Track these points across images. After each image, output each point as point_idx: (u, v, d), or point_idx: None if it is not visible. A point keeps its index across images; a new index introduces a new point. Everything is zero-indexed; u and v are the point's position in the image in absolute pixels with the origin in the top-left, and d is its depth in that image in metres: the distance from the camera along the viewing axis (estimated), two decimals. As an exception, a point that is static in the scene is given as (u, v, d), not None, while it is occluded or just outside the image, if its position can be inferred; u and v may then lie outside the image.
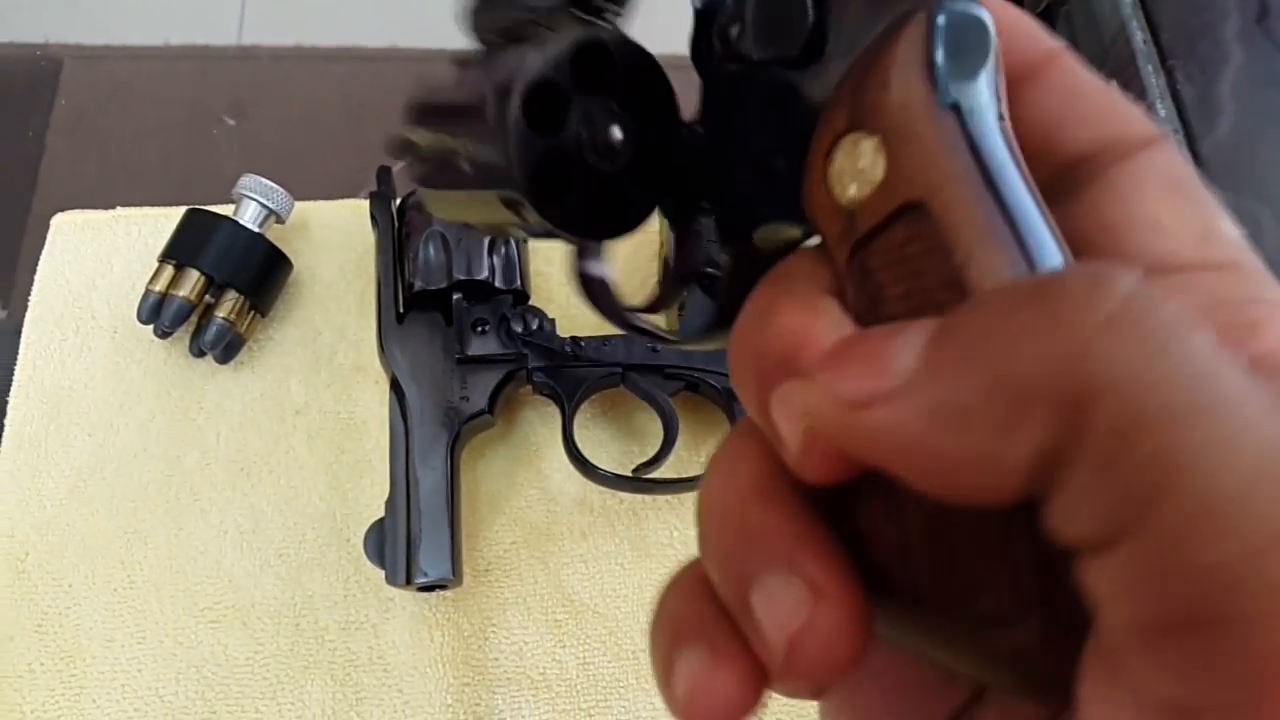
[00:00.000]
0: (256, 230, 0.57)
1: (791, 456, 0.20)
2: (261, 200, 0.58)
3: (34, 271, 0.63)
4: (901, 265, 0.22)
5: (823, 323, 0.21)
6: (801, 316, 0.21)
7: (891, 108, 0.22)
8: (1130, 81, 0.73)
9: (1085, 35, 0.74)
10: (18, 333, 0.65)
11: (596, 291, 0.31)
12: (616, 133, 0.28)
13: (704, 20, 0.27)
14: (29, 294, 0.66)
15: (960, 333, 0.18)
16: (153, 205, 0.64)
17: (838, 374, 0.19)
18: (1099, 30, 0.74)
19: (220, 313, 0.56)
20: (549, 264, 0.62)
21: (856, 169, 0.22)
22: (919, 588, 0.21)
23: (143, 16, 0.78)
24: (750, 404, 0.22)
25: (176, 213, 0.61)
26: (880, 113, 0.22)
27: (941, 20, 0.22)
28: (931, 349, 0.18)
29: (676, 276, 0.32)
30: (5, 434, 0.57)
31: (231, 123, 0.74)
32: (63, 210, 0.64)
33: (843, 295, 0.23)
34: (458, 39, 0.80)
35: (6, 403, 0.58)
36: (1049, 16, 0.72)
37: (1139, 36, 0.74)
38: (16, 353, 0.64)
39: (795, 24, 0.24)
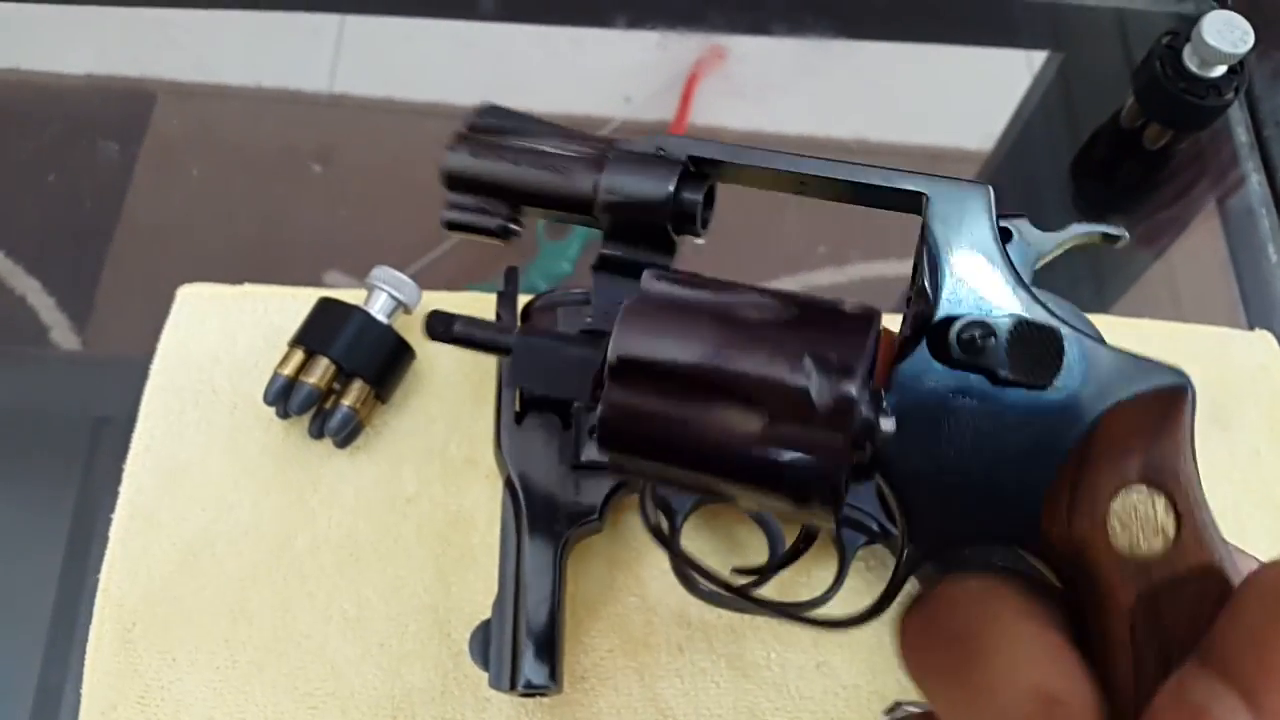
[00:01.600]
0: (385, 321, 0.58)
1: None
2: (392, 292, 0.59)
3: (112, 303, 0.64)
4: (1193, 621, 0.26)
5: (1080, 689, 0.25)
6: (1058, 679, 0.25)
7: (1191, 476, 0.26)
8: (1240, 222, 0.73)
9: (1200, 173, 0.74)
10: (95, 366, 0.67)
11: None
12: (889, 425, 0.30)
13: (934, 322, 0.30)
14: (107, 326, 0.67)
15: None
16: (237, 246, 0.65)
17: None
18: (1214, 169, 0.75)
19: (347, 401, 0.57)
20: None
21: (1149, 521, 0.26)
22: None
23: (238, 56, 0.80)
24: None
25: (303, 293, 0.62)
26: (1178, 477, 0.26)
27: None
28: None
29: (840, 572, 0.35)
30: (119, 502, 0.58)
31: (318, 169, 0.75)
32: (137, 238, 0.67)
33: (1069, 627, 0.27)
34: (544, 102, 0.81)
35: (108, 443, 0.60)
36: (1166, 152, 0.72)
37: (1254, 178, 0.74)
38: (93, 388, 0.65)
39: (1052, 358, 0.29)
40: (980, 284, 0.31)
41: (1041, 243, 0.33)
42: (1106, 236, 0.34)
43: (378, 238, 0.72)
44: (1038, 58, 0.83)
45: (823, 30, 0.84)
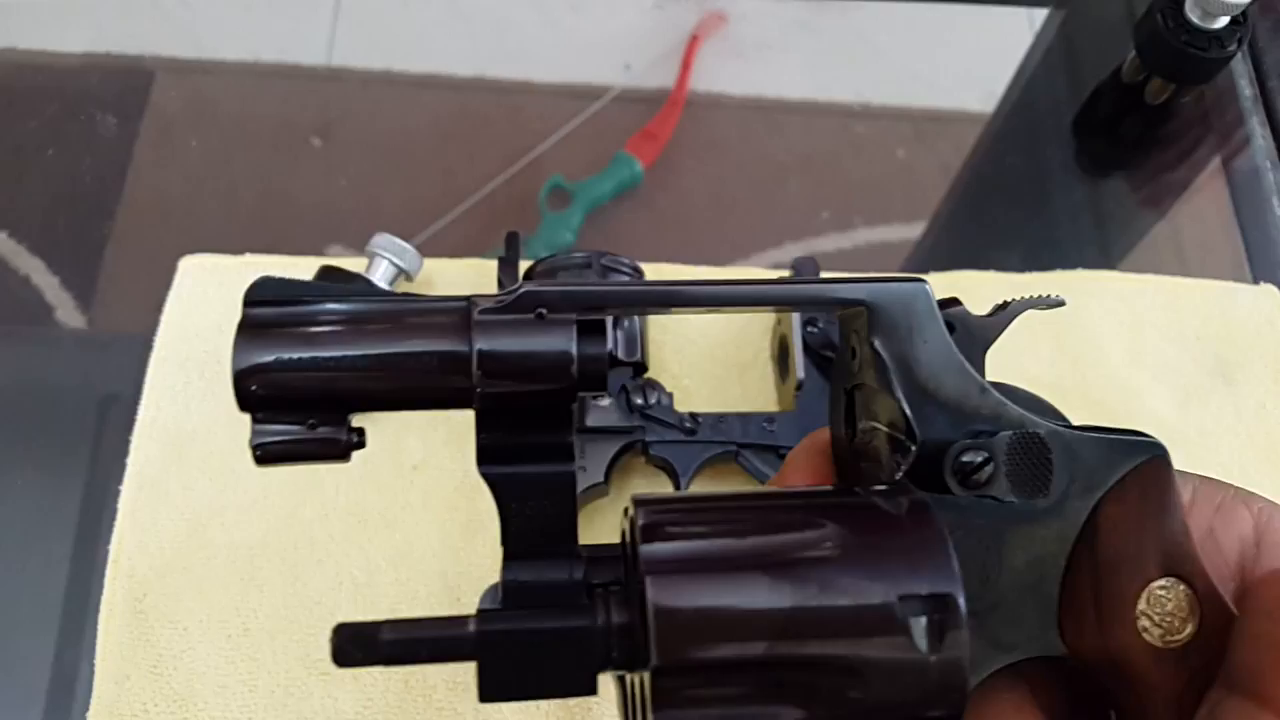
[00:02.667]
0: (388, 288, 0.58)
1: None
2: (393, 259, 0.59)
3: (116, 280, 0.65)
4: None
5: None
6: None
7: (1195, 548, 0.27)
8: (1245, 177, 0.73)
9: (1203, 127, 0.74)
10: (100, 345, 0.67)
11: None
12: None
13: (928, 453, 0.28)
14: (110, 304, 0.67)
15: None
16: (238, 221, 0.65)
17: None
18: (1215, 121, 0.74)
19: (351, 370, 0.57)
20: (663, 332, 0.63)
21: (1178, 610, 0.27)
22: None
23: (235, 32, 0.80)
24: None
25: (304, 262, 0.62)
26: (1193, 558, 0.27)
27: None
28: None
29: None
30: (127, 474, 0.58)
31: (318, 143, 0.75)
32: (138, 216, 0.66)
33: None
34: (543, 72, 0.81)
35: (116, 422, 0.60)
36: (1169, 108, 0.72)
37: (1259, 132, 0.73)
38: (98, 366, 0.65)
39: (1045, 466, 0.27)
40: (949, 398, 0.29)
41: (985, 329, 0.30)
42: (1045, 307, 0.32)
43: (379, 210, 0.72)
44: (1039, 15, 0.83)
45: (822, -9, 0.84)
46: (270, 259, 0.64)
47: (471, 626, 0.26)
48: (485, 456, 0.29)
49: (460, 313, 0.27)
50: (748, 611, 0.25)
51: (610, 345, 0.57)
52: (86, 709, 0.54)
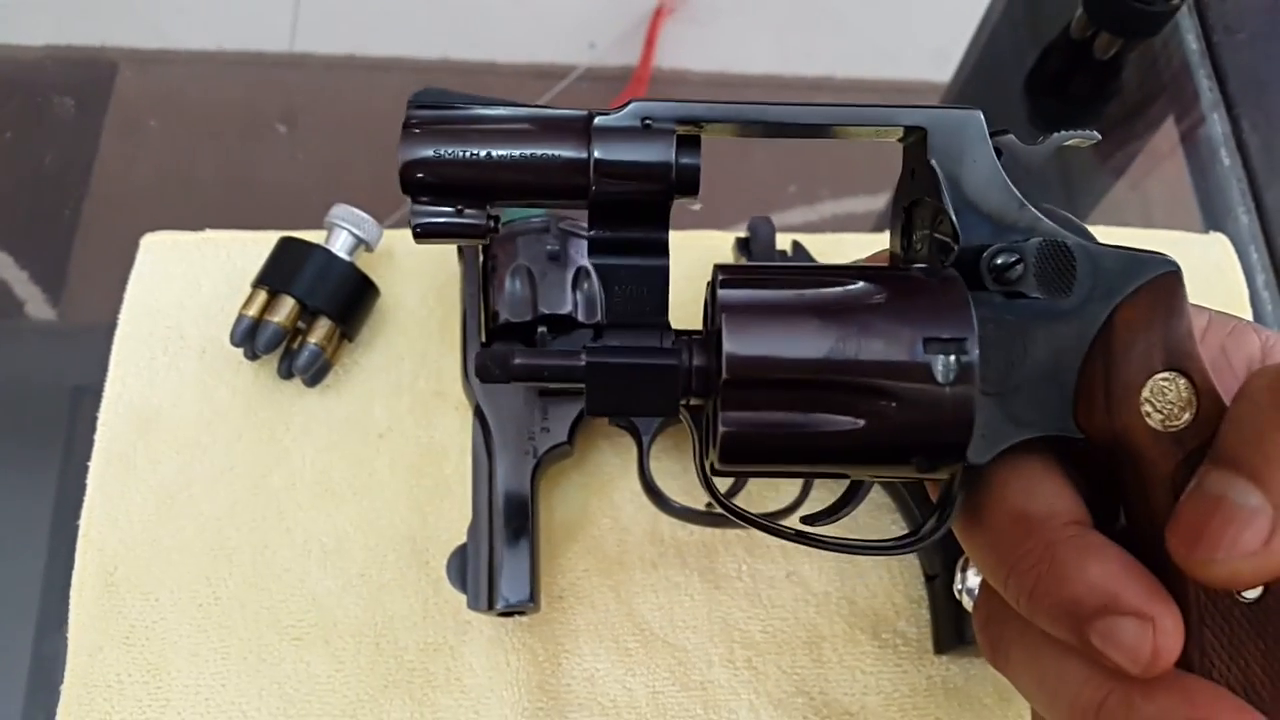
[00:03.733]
0: (347, 259, 0.59)
1: (1129, 668, 0.28)
2: (352, 229, 0.59)
3: (85, 272, 0.65)
4: None
5: (1127, 570, 0.29)
6: (1105, 569, 0.29)
7: (1198, 350, 0.31)
8: (1194, 128, 0.74)
9: (1152, 81, 0.75)
10: (70, 336, 0.67)
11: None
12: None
13: (969, 256, 0.32)
14: (79, 296, 0.68)
15: None
16: (205, 209, 0.66)
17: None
18: (1165, 76, 0.75)
19: (313, 339, 0.58)
20: (624, 296, 0.64)
21: (1177, 399, 0.31)
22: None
23: (197, 21, 0.80)
24: (1058, 626, 0.30)
25: (264, 236, 0.62)
26: (1193, 355, 0.31)
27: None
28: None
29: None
30: (95, 450, 0.59)
31: (283, 129, 0.76)
32: (105, 208, 0.67)
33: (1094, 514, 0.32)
34: (507, 52, 0.81)
35: (88, 412, 0.60)
36: (1117, 63, 0.73)
37: (1205, 85, 0.75)
38: (68, 356, 0.66)
39: (1068, 271, 0.32)
40: (992, 210, 0.33)
41: (1028, 156, 0.34)
42: (1084, 140, 0.35)
43: (345, 193, 0.72)
44: (995, -21, 0.84)
45: (783, -34, 0.84)
46: (230, 233, 0.64)
47: (583, 358, 0.32)
48: (596, 248, 0.34)
49: (583, 122, 0.33)
50: (801, 338, 0.31)
51: (569, 308, 0.57)
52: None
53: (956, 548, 0.49)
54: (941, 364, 0.30)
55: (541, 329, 0.57)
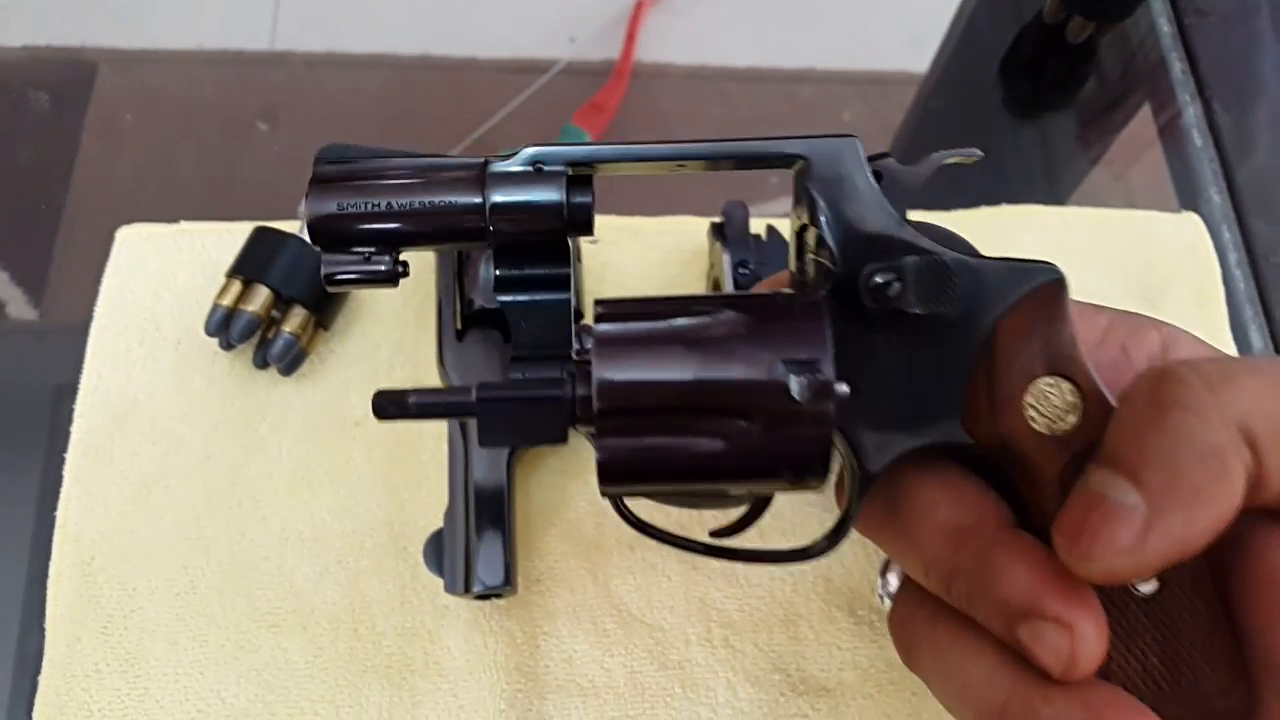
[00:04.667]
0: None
1: (1053, 669, 0.29)
2: (325, 218, 0.59)
3: (66, 272, 0.65)
4: None
5: (1053, 575, 0.30)
6: (1030, 574, 0.30)
7: (1083, 355, 0.32)
8: (1168, 110, 0.74)
9: (1124, 64, 0.75)
10: (51, 335, 0.67)
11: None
12: (844, 388, 0.34)
13: (850, 277, 0.34)
14: (60, 296, 0.68)
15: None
16: (187, 209, 0.66)
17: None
18: (1138, 59, 0.76)
19: (288, 327, 0.58)
20: (600, 282, 0.64)
21: (1060, 403, 0.32)
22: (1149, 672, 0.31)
23: (176, 20, 0.80)
24: (994, 624, 0.31)
25: (238, 227, 0.62)
26: (1075, 360, 0.32)
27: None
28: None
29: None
30: (71, 441, 0.59)
31: (264, 127, 0.76)
32: (86, 207, 0.67)
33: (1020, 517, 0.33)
34: (488, 48, 0.81)
35: (70, 410, 0.60)
36: (1090, 47, 0.73)
37: (1177, 67, 0.75)
38: (50, 356, 0.65)
39: (950, 289, 0.33)
40: (871, 232, 0.34)
41: (908, 177, 0.36)
42: (964, 158, 0.37)
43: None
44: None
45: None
46: (205, 225, 0.64)
47: (474, 394, 0.34)
48: (501, 286, 0.37)
49: (477, 169, 0.35)
50: (666, 365, 0.32)
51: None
52: (40, 674, 0.55)
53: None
54: (797, 383, 0.32)
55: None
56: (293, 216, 0.62)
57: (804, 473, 0.33)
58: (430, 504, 0.58)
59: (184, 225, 0.64)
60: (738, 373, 0.32)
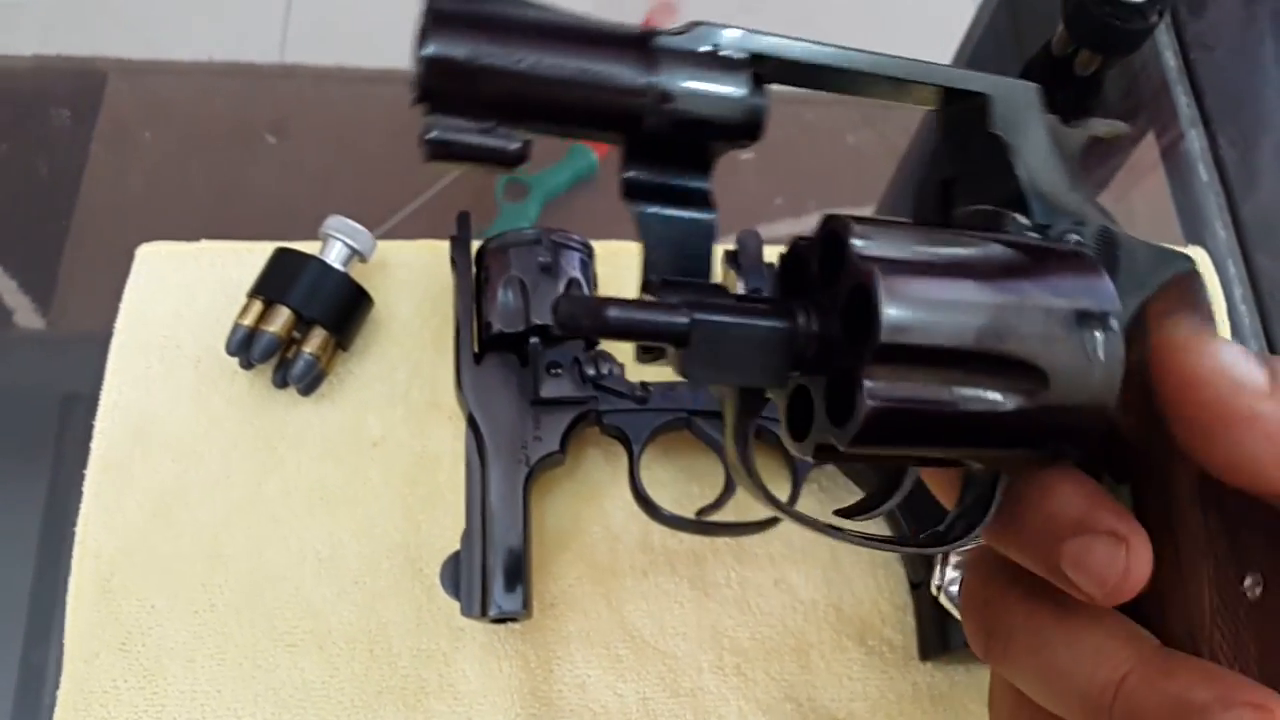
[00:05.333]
0: (342, 269, 0.60)
1: (1097, 593, 0.27)
2: (347, 240, 0.60)
3: (74, 281, 0.66)
4: None
5: (1100, 494, 0.28)
6: (1078, 490, 0.28)
7: None
8: (1173, 143, 0.75)
9: (1130, 97, 0.76)
10: (60, 345, 0.68)
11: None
12: None
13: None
14: (69, 305, 0.68)
15: None
16: (196, 219, 0.66)
17: None
18: (1144, 92, 0.77)
19: (308, 348, 0.59)
20: (614, 307, 0.64)
21: None
22: None
23: (187, 32, 0.81)
24: (1028, 553, 0.29)
25: (259, 246, 0.63)
26: None
27: None
28: None
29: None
30: (91, 457, 0.60)
31: (273, 140, 0.76)
32: (95, 217, 0.68)
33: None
34: None
35: (78, 419, 0.61)
36: (1097, 79, 0.74)
37: (1183, 100, 0.76)
38: (58, 365, 0.66)
39: (1115, 264, 0.30)
40: (1045, 190, 0.31)
41: (1068, 139, 0.33)
42: (1112, 130, 0.35)
43: (335, 204, 0.72)
44: (981, -8, 0.85)
45: (769, -25, 0.85)
46: (226, 244, 0.65)
47: (686, 317, 0.27)
48: (634, 191, 0.29)
49: (638, 39, 0.28)
50: (960, 302, 0.27)
51: (562, 319, 0.58)
52: (56, 689, 0.55)
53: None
54: (1090, 340, 0.28)
55: (534, 339, 0.58)
56: (305, 234, 0.62)
57: (1076, 443, 0.29)
58: (446, 525, 0.59)
59: (204, 244, 0.65)
60: (1037, 321, 0.27)
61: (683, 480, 0.61)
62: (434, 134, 0.26)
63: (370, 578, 0.58)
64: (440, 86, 0.26)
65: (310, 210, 0.71)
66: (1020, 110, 0.31)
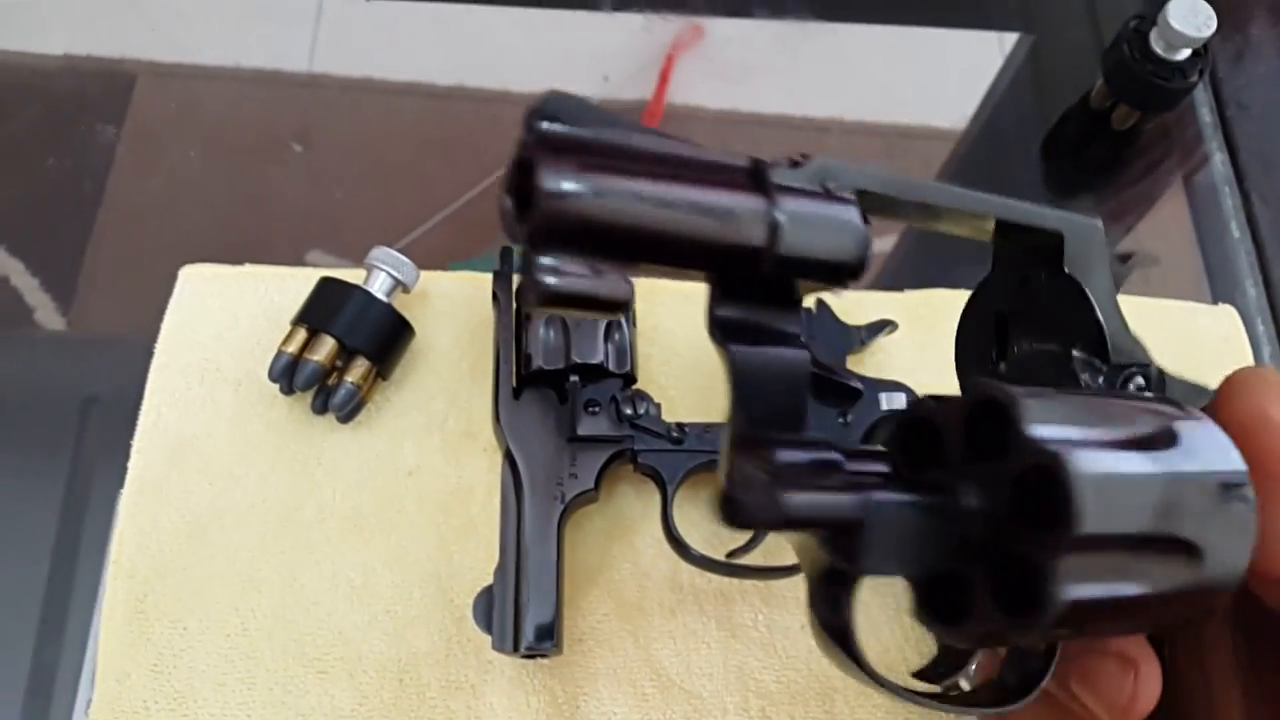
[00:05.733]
0: (385, 300, 0.60)
1: (1103, 714, 0.28)
2: (391, 271, 0.61)
3: (95, 283, 0.66)
4: None
5: None
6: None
7: None
8: (1207, 200, 0.76)
9: (1166, 153, 0.77)
10: (80, 346, 0.68)
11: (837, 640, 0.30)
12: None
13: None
14: (89, 306, 0.69)
15: None
16: (219, 225, 0.67)
17: None
18: (1179, 149, 0.77)
19: (350, 378, 0.59)
20: (650, 344, 0.65)
21: None
22: None
23: (217, 38, 0.81)
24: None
25: (301, 272, 0.64)
26: None
27: None
28: None
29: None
30: (129, 477, 0.60)
31: (298, 149, 0.77)
32: (118, 218, 0.69)
33: None
34: (522, 82, 0.82)
35: (96, 420, 0.61)
36: (1134, 133, 0.75)
37: (1218, 158, 0.77)
38: (79, 367, 0.66)
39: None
40: (1107, 330, 0.31)
41: (1118, 274, 0.34)
42: (1145, 262, 0.35)
43: (358, 216, 0.73)
44: (1009, 39, 0.86)
45: (801, 13, 0.86)
46: (269, 269, 0.65)
47: (859, 501, 0.26)
48: (727, 331, 0.27)
49: (748, 170, 0.26)
50: (1136, 487, 0.25)
51: (600, 358, 0.59)
52: (70, 704, 0.55)
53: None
54: (1238, 512, 0.27)
55: (573, 377, 0.59)
56: (327, 248, 0.63)
57: (1210, 611, 0.28)
58: (479, 557, 0.59)
59: (248, 268, 0.65)
60: (1193, 497, 0.26)
61: (714, 522, 0.61)
62: (549, 283, 0.24)
63: (402, 606, 0.58)
64: (555, 227, 0.24)
65: (333, 218, 0.72)
66: (1090, 249, 0.31)
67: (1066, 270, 0.31)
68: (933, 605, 0.28)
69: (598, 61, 0.83)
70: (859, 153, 0.81)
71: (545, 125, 0.24)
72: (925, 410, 0.28)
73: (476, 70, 0.82)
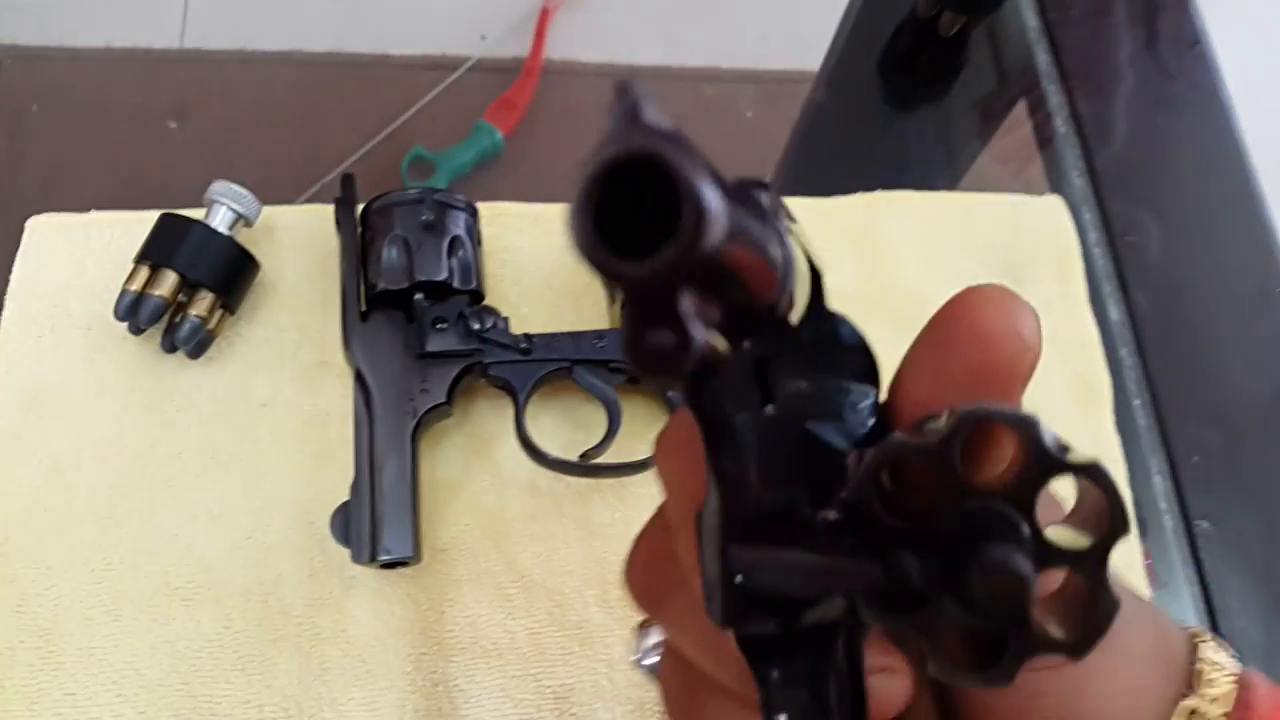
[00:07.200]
0: (227, 233, 0.61)
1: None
2: (231, 204, 0.62)
3: None
4: None
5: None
6: None
7: None
8: (1035, 98, 0.79)
9: (994, 56, 0.80)
10: None
11: None
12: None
13: None
14: None
15: None
16: (97, 207, 0.67)
17: None
18: (1007, 51, 0.81)
19: (194, 311, 0.60)
20: (501, 265, 0.67)
21: None
22: None
23: (83, 18, 0.81)
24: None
25: (147, 216, 0.64)
26: None
27: None
28: None
29: None
30: (-16, 427, 0.61)
31: (174, 125, 0.77)
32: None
33: None
34: (399, 44, 0.83)
35: None
36: (962, 39, 0.78)
37: (1044, 59, 0.80)
38: None
39: None
40: None
41: None
42: None
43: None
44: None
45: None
46: (115, 214, 0.66)
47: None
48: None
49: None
50: None
51: (445, 275, 0.60)
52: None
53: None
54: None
55: (418, 295, 0.60)
56: (198, 204, 0.63)
57: None
58: (338, 481, 0.60)
59: (94, 215, 0.66)
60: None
61: (568, 428, 0.63)
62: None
63: (262, 532, 0.59)
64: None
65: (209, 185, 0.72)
66: None
67: None
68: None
69: (474, 20, 0.83)
70: (736, 100, 0.83)
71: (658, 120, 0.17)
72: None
73: (352, 35, 0.82)
